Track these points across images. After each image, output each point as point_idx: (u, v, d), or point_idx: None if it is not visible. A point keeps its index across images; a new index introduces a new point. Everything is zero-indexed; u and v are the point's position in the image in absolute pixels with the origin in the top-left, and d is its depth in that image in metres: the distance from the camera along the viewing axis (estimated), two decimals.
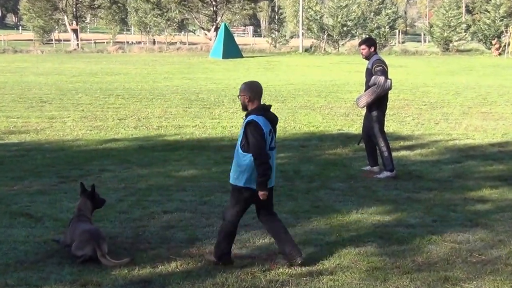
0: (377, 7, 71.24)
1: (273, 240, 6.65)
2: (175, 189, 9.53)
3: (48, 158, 11.83)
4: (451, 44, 55.39)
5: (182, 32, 68.36)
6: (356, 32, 57.87)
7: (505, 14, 55.44)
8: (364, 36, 52.41)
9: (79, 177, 10.07)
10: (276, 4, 77.94)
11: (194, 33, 69.89)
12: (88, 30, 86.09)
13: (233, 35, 52.16)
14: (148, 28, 62.36)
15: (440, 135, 14.38)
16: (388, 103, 10.88)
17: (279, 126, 15.35)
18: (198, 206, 8.64)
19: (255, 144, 6.17)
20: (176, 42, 62.36)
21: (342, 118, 16.90)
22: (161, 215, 8.20)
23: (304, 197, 9.17)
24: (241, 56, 46.26)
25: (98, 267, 6.34)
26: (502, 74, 32.34)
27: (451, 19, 55.49)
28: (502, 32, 54.32)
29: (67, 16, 63.05)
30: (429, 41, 63.37)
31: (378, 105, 10.55)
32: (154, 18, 60.85)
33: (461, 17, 59.53)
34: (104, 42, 64.28)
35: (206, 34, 62.26)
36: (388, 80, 10.43)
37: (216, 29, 55.34)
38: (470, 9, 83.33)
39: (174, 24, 62.10)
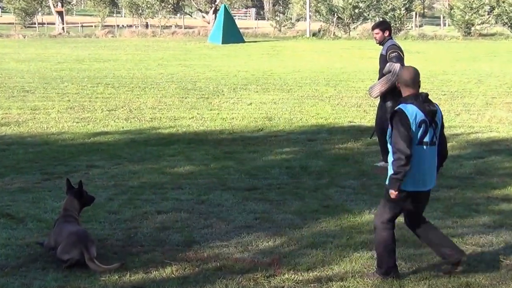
0: None
1: (279, 243, 6.65)
2: (170, 187, 9.54)
3: (30, 153, 11.83)
4: (473, 28, 55.21)
5: (178, 15, 68.21)
6: (368, 15, 57.67)
7: None
8: (377, 19, 52.32)
9: (65, 173, 10.07)
10: None
11: (191, 16, 69.74)
12: (75, 12, 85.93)
13: (234, 18, 52.12)
14: (141, 10, 62.21)
15: (461, 128, 14.37)
16: None
17: (284, 118, 15.52)
18: (195, 205, 8.65)
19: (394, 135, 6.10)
20: (171, 26, 62.20)
21: (353, 109, 16.90)
22: (154, 215, 8.20)
23: (312, 195, 9.17)
24: (243, 41, 46.21)
25: (85, 272, 6.35)
26: None
27: (473, 1, 55.34)
28: None
29: None
30: (449, 25, 63.21)
31: (393, 94, 10.51)
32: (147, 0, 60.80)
33: None
34: (92, 26, 64.16)
35: (204, 17, 62.17)
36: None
37: (215, 11, 55.28)
38: None
39: (169, 6, 61.90)
